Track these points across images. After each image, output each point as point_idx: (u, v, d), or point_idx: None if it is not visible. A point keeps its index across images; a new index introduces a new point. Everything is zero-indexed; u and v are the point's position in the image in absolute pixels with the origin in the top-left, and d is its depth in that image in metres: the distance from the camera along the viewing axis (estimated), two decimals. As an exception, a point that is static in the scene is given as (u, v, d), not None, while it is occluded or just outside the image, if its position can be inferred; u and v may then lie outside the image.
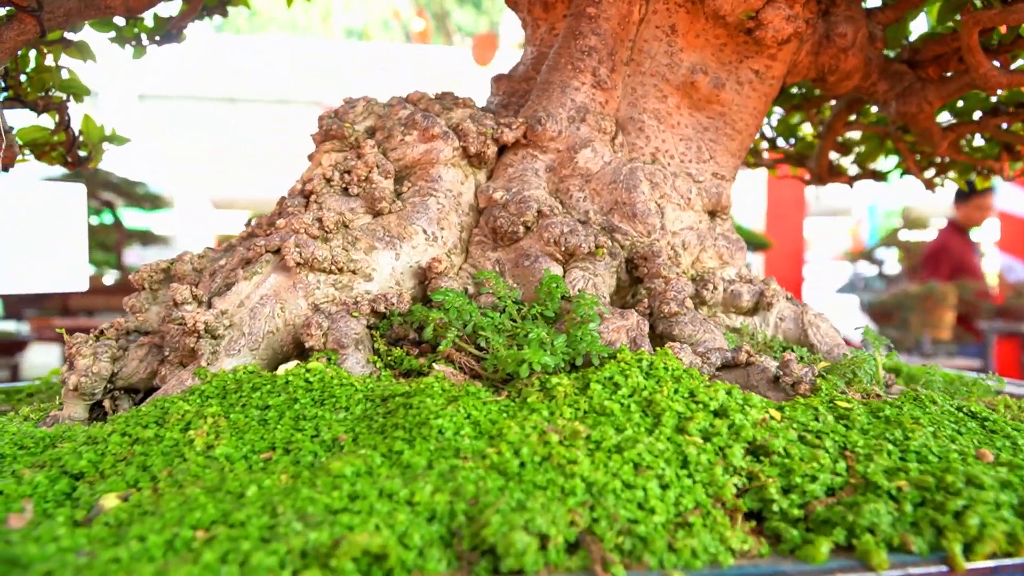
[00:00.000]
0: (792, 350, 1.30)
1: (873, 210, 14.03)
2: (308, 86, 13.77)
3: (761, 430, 0.85)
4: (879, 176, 2.10)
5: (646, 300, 1.17)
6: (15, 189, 1.34)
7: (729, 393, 0.91)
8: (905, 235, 10.06)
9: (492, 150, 1.28)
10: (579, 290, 1.17)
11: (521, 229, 1.21)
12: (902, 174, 2.09)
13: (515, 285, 1.21)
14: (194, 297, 1.11)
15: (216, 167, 14.04)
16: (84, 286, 1.40)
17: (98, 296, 6.77)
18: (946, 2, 1.59)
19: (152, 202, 7.40)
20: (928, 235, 9.37)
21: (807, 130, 2.19)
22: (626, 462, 0.78)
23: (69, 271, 1.38)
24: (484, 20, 15.78)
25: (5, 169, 1.47)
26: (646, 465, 0.78)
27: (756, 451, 0.83)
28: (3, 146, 1.41)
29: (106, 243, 7.01)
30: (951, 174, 2.00)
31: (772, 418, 0.89)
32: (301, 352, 1.14)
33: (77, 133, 1.65)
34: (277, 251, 1.14)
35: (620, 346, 1.00)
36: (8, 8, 1.33)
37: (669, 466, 0.78)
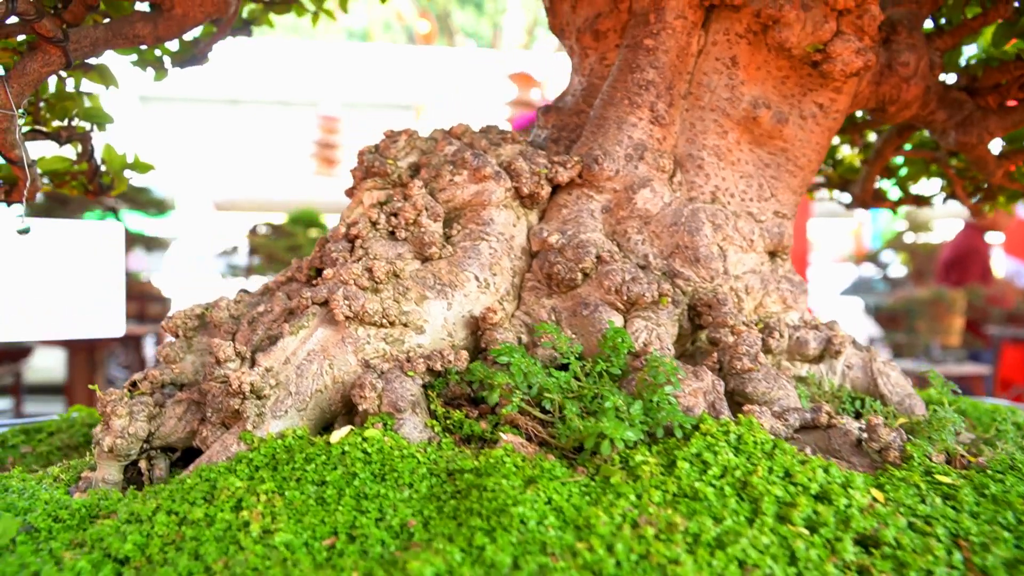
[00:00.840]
0: (863, 401, 1.23)
1: (875, 212, 13.97)
2: (310, 88, 13.68)
3: (868, 517, 0.78)
4: (922, 201, 2.04)
5: (715, 354, 1.11)
6: (50, 228, 1.27)
7: (827, 471, 0.84)
8: (910, 238, 10.00)
9: (546, 191, 1.21)
10: (643, 343, 1.10)
11: (579, 276, 1.15)
12: (946, 199, 2.02)
13: (573, 336, 1.14)
14: (237, 354, 1.04)
15: (218, 169, 13.94)
16: (121, 331, 1.33)
17: (102, 303, 6.68)
18: (1001, 26, 1.53)
19: (157, 207, 7.32)
20: (931, 237, 9.29)
21: (845, 151, 2.12)
22: (731, 560, 0.71)
23: (106, 314, 1.31)
24: (486, 22, 15.71)
25: (27, 203, 1.40)
26: (752, 563, 0.71)
27: (865, 541, 0.77)
28: (27, 181, 1.34)
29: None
30: (999, 199, 1.93)
31: (876, 500, 0.82)
32: (350, 409, 1.07)
33: (99, 162, 1.58)
34: (324, 303, 1.08)
35: (701, 414, 0.93)
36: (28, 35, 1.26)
37: (777, 563, 0.72)
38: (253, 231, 7.38)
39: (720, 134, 1.27)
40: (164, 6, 1.31)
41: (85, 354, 6.00)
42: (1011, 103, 1.52)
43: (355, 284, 1.07)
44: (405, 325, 1.08)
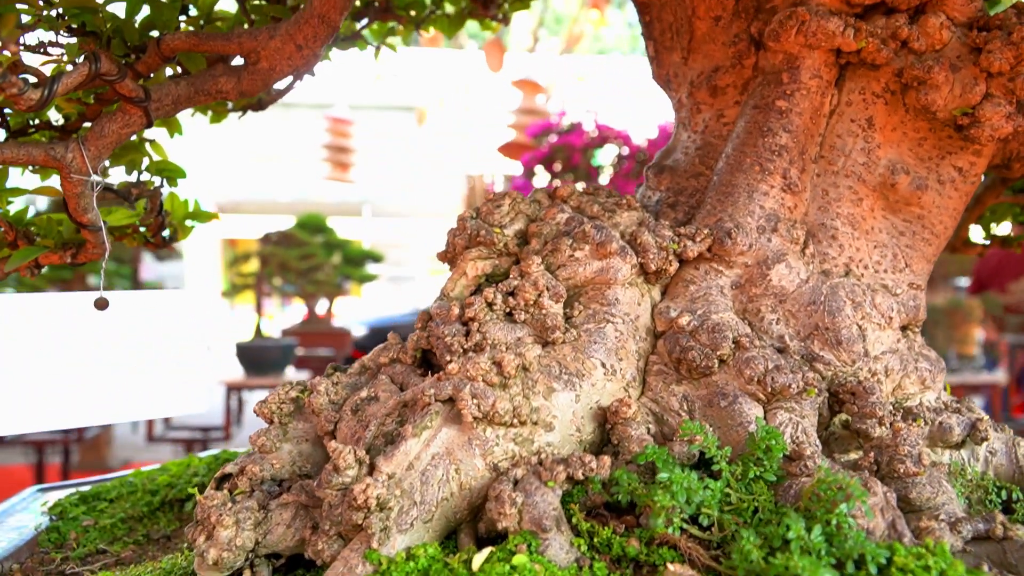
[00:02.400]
0: (1009, 492, 1.14)
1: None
2: (314, 90, 13.54)
3: None
4: (1008, 243, 1.95)
5: (871, 454, 1.01)
6: (128, 300, 1.17)
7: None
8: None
9: (674, 267, 1.12)
10: (792, 440, 1.01)
11: (716, 363, 1.05)
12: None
13: (710, 428, 1.05)
14: (357, 460, 0.94)
15: (221, 171, 13.81)
16: (203, 407, 1.24)
17: (112, 314, 6.56)
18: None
19: (165, 215, 7.20)
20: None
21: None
22: None
23: (186, 388, 1.22)
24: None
25: (88, 263, 1.31)
26: None
27: None
28: (99, 246, 1.25)
29: (121, 257, 6.81)
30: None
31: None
32: (474, 516, 0.98)
33: (165, 214, 1.48)
34: (448, 400, 0.98)
35: (889, 542, 0.84)
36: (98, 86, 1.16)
37: None
38: (266, 238, 7.27)
39: (854, 201, 1.18)
40: (250, 59, 1.21)
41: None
42: None
43: (483, 380, 0.97)
44: (535, 423, 0.99)
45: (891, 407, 1.16)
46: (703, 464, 1.01)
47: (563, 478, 0.94)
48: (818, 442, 1.04)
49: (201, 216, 1.57)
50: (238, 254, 7.23)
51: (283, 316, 10.67)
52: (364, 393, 1.09)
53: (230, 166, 13.73)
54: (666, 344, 1.10)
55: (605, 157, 6.77)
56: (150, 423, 6.63)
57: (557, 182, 7.18)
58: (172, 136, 1.49)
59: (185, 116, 1.52)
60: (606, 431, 1.06)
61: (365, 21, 1.76)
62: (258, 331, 6.56)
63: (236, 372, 6.33)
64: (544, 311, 1.06)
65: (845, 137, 1.18)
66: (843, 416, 1.12)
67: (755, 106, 1.18)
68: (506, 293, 1.09)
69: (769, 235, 1.14)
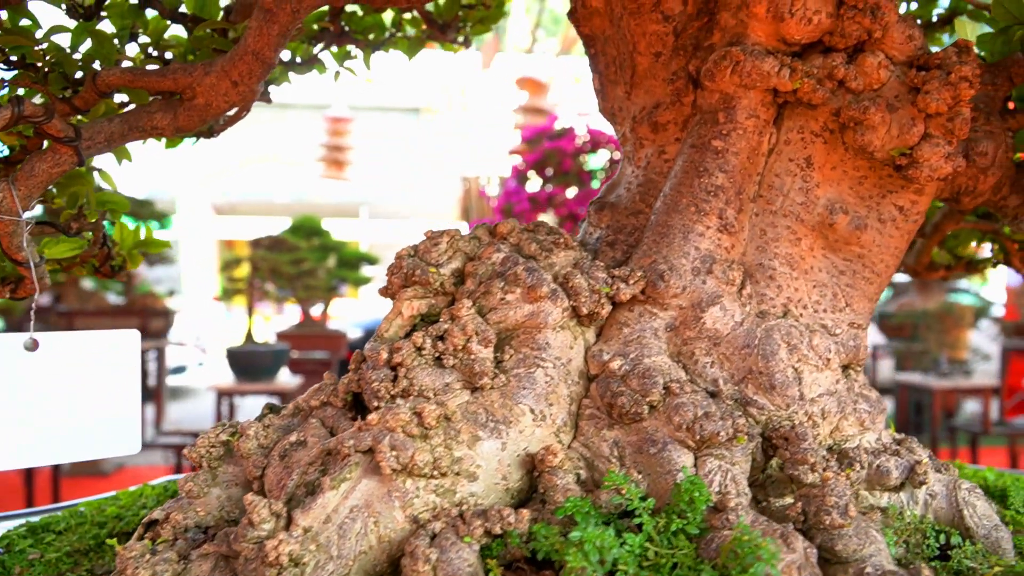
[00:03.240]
0: (948, 536, 1.13)
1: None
2: (309, 90, 13.54)
3: None
4: (973, 268, 1.94)
5: (799, 504, 1.00)
6: (59, 341, 1.16)
7: None
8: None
9: (606, 310, 1.11)
10: (719, 490, 1.00)
11: (646, 409, 1.04)
12: (997, 264, 1.93)
13: (638, 476, 1.03)
14: (273, 513, 0.93)
15: (217, 172, 13.82)
16: (137, 448, 1.23)
17: (104, 319, 6.57)
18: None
19: (159, 219, 7.20)
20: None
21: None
22: None
23: (119, 430, 1.21)
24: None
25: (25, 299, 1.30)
26: None
27: None
28: (34, 279, 1.24)
29: (110, 263, 6.79)
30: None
31: None
32: (395, 570, 0.97)
33: (112, 245, 1.47)
34: (368, 450, 0.97)
35: (801, 604, 0.83)
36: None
37: None
38: (256, 243, 7.27)
39: (793, 241, 1.16)
40: (186, 95, 1.20)
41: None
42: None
43: (403, 431, 0.96)
44: (457, 474, 0.98)
45: (828, 450, 1.15)
46: (631, 514, 1.00)
47: (480, 533, 0.93)
48: (747, 491, 1.03)
49: (152, 245, 1.56)
50: (229, 259, 7.22)
51: (280, 319, 10.67)
52: (293, 437, 1.08)
53: (226, 167, 13.73)
54: (598, 388, 1.09)
55: (597, 161, 6.75)
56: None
57: (549, 187, 7.17)
58: (120, 163, 1.48)
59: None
60: (535, 478, 1.05)
61: (321, 45, 1.74)
62: (249, 336, 6.56)
63: (227, 378, 6.34)
64: (472, 356, 1.05)
65: (783, 176, 1.17)
66: (786, 468, 1.11)
67: (692, 145, 1.16)
68: (435, 337, 1.08)
69: (704, 277, 1.12)
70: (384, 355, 1.07)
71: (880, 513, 1.14)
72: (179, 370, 10.31)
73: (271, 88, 1.74)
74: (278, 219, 12.21)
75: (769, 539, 0.88)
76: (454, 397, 1.04)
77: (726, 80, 1.11)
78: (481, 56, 10.15)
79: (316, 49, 1.76)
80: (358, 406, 1.14)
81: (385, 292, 1.24)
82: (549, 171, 7.08)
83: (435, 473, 0.96)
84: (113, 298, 7.52)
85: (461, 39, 1.85)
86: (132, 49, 1.47)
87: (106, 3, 1.37)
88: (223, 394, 6.15)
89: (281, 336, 7.46)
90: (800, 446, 1.05)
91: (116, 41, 1.38)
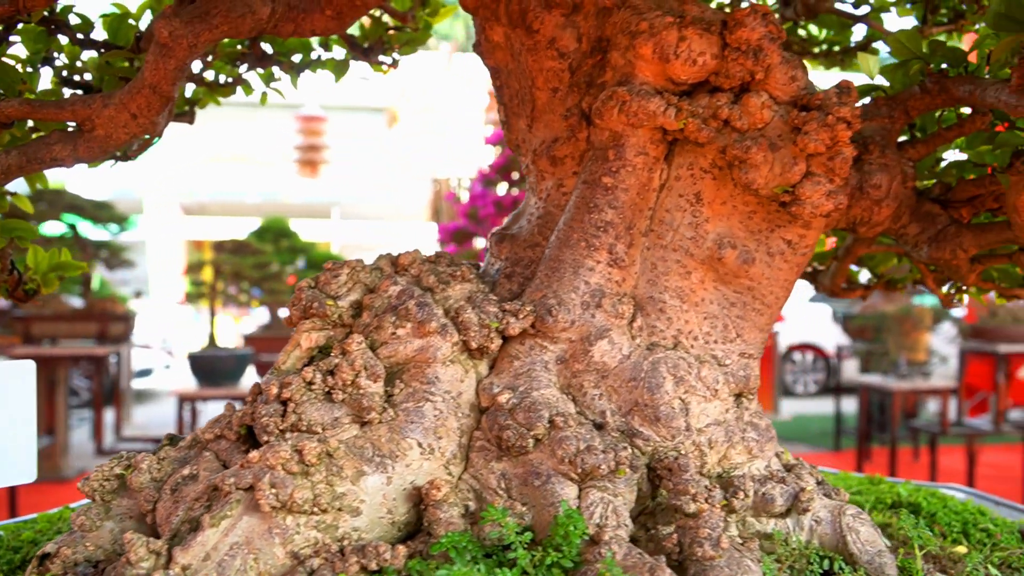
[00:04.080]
0: (831, 561, 1.17)
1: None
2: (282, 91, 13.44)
3: None
4: (892, 285, 1.99)
5: (675, 536, 1.03)
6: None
7: None
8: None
9: (496, 344, 1.13)
10: (598, 524, 1.03)
11: (531, 443, 1.07)
12: (915, 283, 1.98)
13: (524, 508, 1.06)
14: (151, 551, 0.94)
15: (186, 172, 13.68)
16: (32, 477, 1.23)
17: (62, 323, 6.49)
18: (976, 137, 1.47)
19: (119, 222, 7.12)
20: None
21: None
22: None
23: (15, 459, 1.21)
24: (460, 24, 15.57)
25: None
26: None
27: None
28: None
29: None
30: (971, 290, 1.89)
31: None
32: (278, 603, 0.98)
33: (23, 270, 1.47)
34: (249, 488, 0.98)
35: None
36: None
37: None
38: (220, 247, 7.21)
39: (683, 275, 1.20)
40: (85, 127, 1.21)
41: (44, 371, 5.80)
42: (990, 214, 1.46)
43: (283, 469, 0.98)
44: (339, 509, 1.00)
45: (717, 478, 1.18)
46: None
47: (356, 569, 0.95)
48: (628, 522, 1.05)
49: (69, 268, 1.56)
50: (190, 262, 7.16)
51: (249, 320, 10.59)
52: (186, 471, 1.09)
53: (195, 166, 13.59)
54: (487, 421, 1.11)
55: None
56: (99, 434, 6.57)
57: (515, 191, 7.19)
58: (35, 187, 1.48)
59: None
60: (422, 511, 1.07)
61: (246, 66, 1.75)
62: (212, 340, 6.51)
63: (189, 383, 6.29)
64: (361, 391, 1.07)
65: (673, 212, 1.19)
66: (669, 498, 1.14)
67: (584, 181, 1.19)
68: (326, 372, 1.09)
69: (593, 311, 1.15)
70: (275, 389, 1.09)
71: (765, 540, 1.17)
72: (145, 373, 10.20)
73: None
74: (248, 219, 12.11)
75: (634, 575, 0.91)
76: (343, 431, 1.06)
77: (614, 119, 1.14)
78: (445, 57, 10.14)
79: (242, 70, 1.77)
80: (252, 439, 1.15)
81: (289, 323, 1.26)
82: (515, 175, 7.10)
83: (315, 510, 0.98)
84: (75, 301, 7.43)
85: (391, 60, 1.87)
86: (47, 73, 1.47)
87: (17, 28, 1.36)
88: (185, 399, 6.10)
89: (248, 339, 7.42)
90: (682, 476, 1.08)
91: (28, 68, 1.38)
